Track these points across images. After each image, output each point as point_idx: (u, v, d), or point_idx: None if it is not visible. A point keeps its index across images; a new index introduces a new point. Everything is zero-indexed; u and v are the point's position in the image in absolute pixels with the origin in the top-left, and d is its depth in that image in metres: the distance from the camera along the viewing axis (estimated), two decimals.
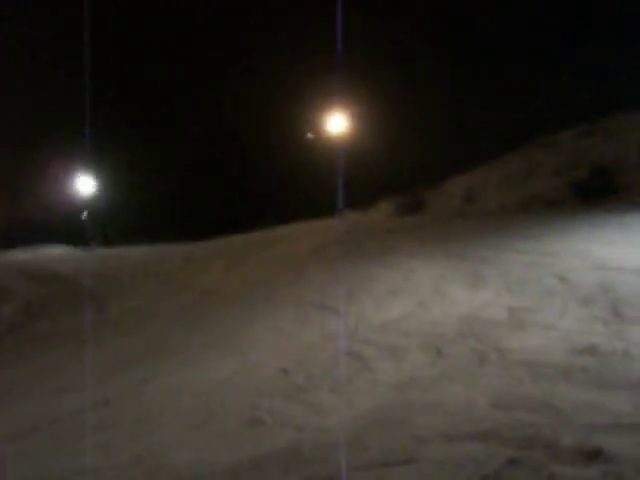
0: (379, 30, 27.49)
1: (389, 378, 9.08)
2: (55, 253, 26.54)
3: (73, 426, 9.45)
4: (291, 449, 6.63)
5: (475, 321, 10.89)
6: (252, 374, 10.59)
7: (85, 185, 30.21)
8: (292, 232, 24.26)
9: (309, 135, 27.10)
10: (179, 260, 23.63)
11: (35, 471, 7.77)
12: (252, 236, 25.48)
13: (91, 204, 29.56)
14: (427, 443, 6.20)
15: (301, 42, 27.04)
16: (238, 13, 30.29)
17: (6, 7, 28.45)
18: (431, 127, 26.33)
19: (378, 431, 6.92)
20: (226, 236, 26.52)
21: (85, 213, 29.42)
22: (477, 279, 13.50)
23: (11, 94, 29.48)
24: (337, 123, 27.23)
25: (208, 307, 17.32)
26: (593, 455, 5.40)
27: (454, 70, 27.12)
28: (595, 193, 20.53)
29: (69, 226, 29.18)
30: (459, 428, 6.52)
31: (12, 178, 29.55)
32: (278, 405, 8.63)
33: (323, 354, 10.92)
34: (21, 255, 25.15)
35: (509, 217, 21.01)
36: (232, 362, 11.45)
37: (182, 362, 12.24)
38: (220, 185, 29.62)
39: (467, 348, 9.58)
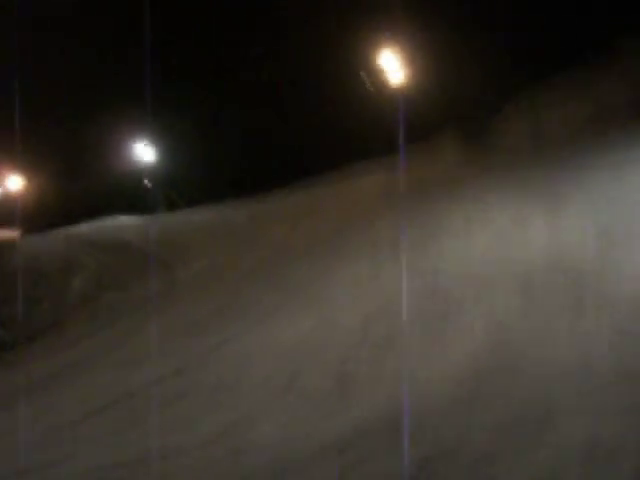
0: None
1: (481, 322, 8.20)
2: (120, 223, 26.13)
3: (149, 400, 8.80)
4: (394, 413, 5.75)
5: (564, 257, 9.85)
6: (333, 327, 9.82)
7: (147, 152, 29.64)
8: (356, 180, 23.24)
9: (362, 74, 25.85)
10: (244, 219, 22.90)
11: (111, 456, 7.06)
12: (314, 189, 24.60)
13: (153, 170, 29.03)
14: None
15: None
16: None
17: None
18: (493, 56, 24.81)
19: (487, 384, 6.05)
20: (288, 188, 25.66)
21: (147, 180, 28.89)
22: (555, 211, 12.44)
23: (72, 61, 29.06)
24: (392, 59, 25.97)
25: (277, 264, 16.52)
26: None
27: None
28: None
29: (132, 194, 28.75)
30: None
31: (72, 148, 29.16)
32: (367, 357, 7.80)
33: (406, 299, 10.01)
34: (86, 227, 24.78)
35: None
36: (311, 316, 10.68)
37: (256, 322, 11.51)
38: (279, 134, 28.64)
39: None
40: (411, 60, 25.74)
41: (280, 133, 28.53)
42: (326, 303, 11.23)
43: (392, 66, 25.72)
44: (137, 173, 28.90)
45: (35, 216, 24.51)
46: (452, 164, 20.79)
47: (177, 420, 7.49)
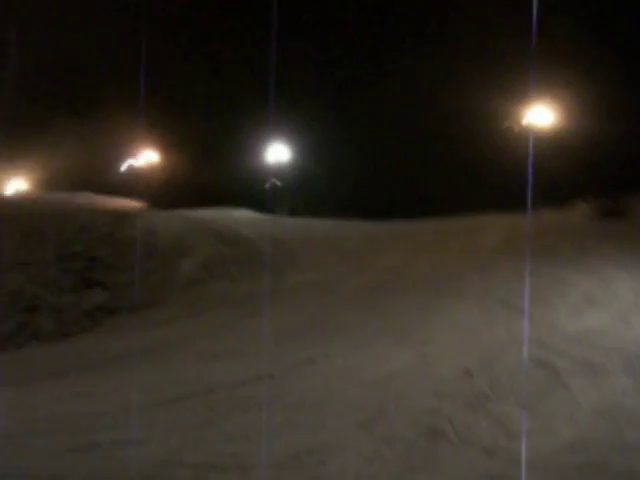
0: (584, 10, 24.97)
1: (590, 401, 7.56)
2: (240, 216, 26.26)
3: (228, 400, 8.52)
4: None
5: None
6: (431, 370, 9.30)
7: (277, 153, 29.82)
8: (480, 224, 22.63)
9: (507, 124, 25.23)
10: (361, 238, 22.60)
11: (176, 453, 6.76)
12: (437, 223, 24.10)
13: (281, 172, 29.12)
14: None
15: (496, 27, 25.13)
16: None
17: None
18: None
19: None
20: (411, 220, 25.26)
21: (273, 180, 28.97)
22: None
23: (209, 63, 29.74)
24: (539, 114, 25.27)
25: (387, 290, 16.08)
26: None
27: None
28: None
29: (258, 191, 28.89)
30: None
31: (211, 136, 29.59)
32: (461, 415, 7.29)
33: (511, 358, 9.45)
34: (207, 213, 24.94)
35: None
36: (409, 353, 10.22)
37: (355, 344, 11.14)
38: (411, 167, 28.29)
39: None
40: (562, 115, 25.00)
41: (415, 166, 28.19)
42: (428, 343, 10.74)
43: (541, 119, 25.07)
44: (267, 172, 29.05)
45: (162, 193, 24.86)
46: (584, 234, 20.01)
47: (251, 428, 7.11)
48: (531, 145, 21.50)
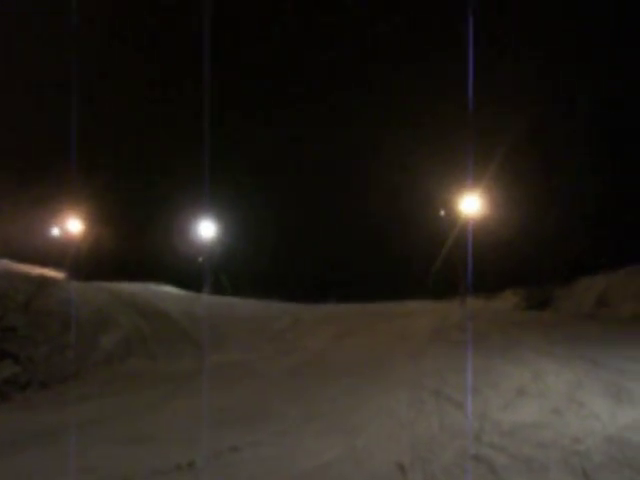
0: (515, 113, 25.82)
1: None
2: (163, 291, 25.68)
3: None
4: None
5: (627, 445, 8.76)
6: (361, 464, 8.70)
7: (206, 229, 29.42)
8: (409, 310, 22.55)
9: (442, 212, 25.44)
10: (288, 320, 22.19)
11: None
12: (365, 307, 23.89)
13: (210, 249, 28.72)
14: None
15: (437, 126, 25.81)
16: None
17: None
18: (568, 220, 24.24)
19: None
20: (336, 303, 25.06)
21: (201, 258, 28.51)
22: (619, 392, 11.39)
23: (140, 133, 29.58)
24: (470, 204, 25.55)
25: (314, 375, 15.64)
26: None
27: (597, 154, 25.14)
28: None
29: (183, 268, 28.41)
30: None
31: (139, 210, 29.15)
32: None
33: (445, 453, 8.93)
34: (130, 288, 24.24)
35: None
36: (338, 443, 9.62)
37: (281, 432, 10.52)
38: (340, 250, 28.24)
39: None
40: (492, 206, 25.33)
41: (340, 246, 28.13)
42: (358, 433, 10.19)
43: (472, 208, 25.34)
44: (193, 249, 28.64)
45: (84, 264, 24.19)
46: (513, 323, 20.08)
47: None
48: (463, 233, 21.70)
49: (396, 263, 26.75)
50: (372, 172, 27.50)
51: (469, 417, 10.52)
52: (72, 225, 28.22)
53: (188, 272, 27.83)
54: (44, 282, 19.91)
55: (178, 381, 14.41)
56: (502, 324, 20.09)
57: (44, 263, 23.72)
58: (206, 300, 25.12)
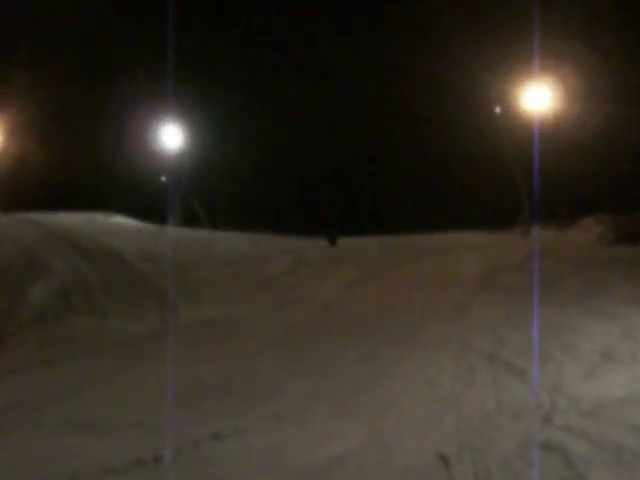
0: None
1: None
2: (114, 223, 25.88)
3: None
4: None
5: None
6: (389, 455, 8.85)
7: (172, 138, 29.22)
8: (453, 244, 22.82)
9: (497, 110, 25.44)
10: (286, 260, 22.46)
11: None
12: (394, 240, 24.17)
13: (176, 165, 28.75)
14: None
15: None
16: None
17: None
18: None
19: None
20: (358, 235, 25.28)
21: (165, 176, 28.56)
22: None
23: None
24: (536, 98, 25.46)
25: (322, 335, 16.01)
26: None
27: None
28: None
29: (141, 191, 28.48)
30: None
31: (84, 111, 29.21)
32: None
33: (504, 440, 9.07)
34: (69, 220, 24.43)
35: None
36: (357, 429, 9.81)
37: (277, 414, 10.70)
38: (352, 165, 28.37)
39: None
40: (566, 99, 25.26)
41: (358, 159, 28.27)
42: (383, 414, 10.36)
43: (539, 103, 25.28)
44: (154, 164, 28.64)
45: (3, 188, 24.30)
46: (598, 264, 20.29)
47: None
48: (525, 138, 21.69)
49: (435, 180, 26.85)
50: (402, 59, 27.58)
51: (536, 391, 10.65)
52: None
53: (147, 196, 27.89)
54: None
55: (136, 346, 14.82)
56: (580, 263, 20.37)
57: None
58: (173, 234, 25.37)
